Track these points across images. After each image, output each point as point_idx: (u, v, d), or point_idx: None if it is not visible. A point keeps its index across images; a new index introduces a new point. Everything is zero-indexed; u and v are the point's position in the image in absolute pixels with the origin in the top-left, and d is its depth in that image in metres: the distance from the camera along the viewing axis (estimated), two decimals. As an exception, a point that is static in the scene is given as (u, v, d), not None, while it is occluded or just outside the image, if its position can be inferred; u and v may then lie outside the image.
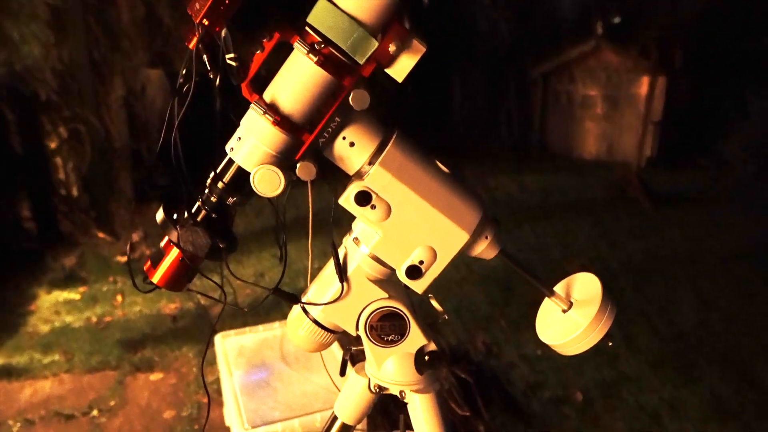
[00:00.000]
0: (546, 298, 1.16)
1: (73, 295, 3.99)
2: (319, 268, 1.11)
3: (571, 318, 1.10)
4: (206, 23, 0.87)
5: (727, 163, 7.17)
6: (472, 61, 8.52)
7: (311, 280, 1.11)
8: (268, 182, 0.93)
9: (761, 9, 7.03)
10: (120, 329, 3.45)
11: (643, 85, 7.96)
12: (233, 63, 0.93)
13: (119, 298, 3.89)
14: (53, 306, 3.83)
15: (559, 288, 1.16)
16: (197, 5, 0.87)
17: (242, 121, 0.98)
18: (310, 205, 1.03)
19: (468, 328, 3.17)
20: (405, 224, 0.99)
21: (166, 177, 6.20)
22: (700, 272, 3.99)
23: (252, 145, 0.95)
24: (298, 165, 0.94)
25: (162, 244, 1.06)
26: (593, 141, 8.91)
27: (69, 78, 4.56)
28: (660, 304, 3.50)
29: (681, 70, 7.31)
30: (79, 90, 4.68)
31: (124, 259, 4.62)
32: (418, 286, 1.02)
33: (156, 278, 1.06)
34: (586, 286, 1.14)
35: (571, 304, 1.12)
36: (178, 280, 1.06)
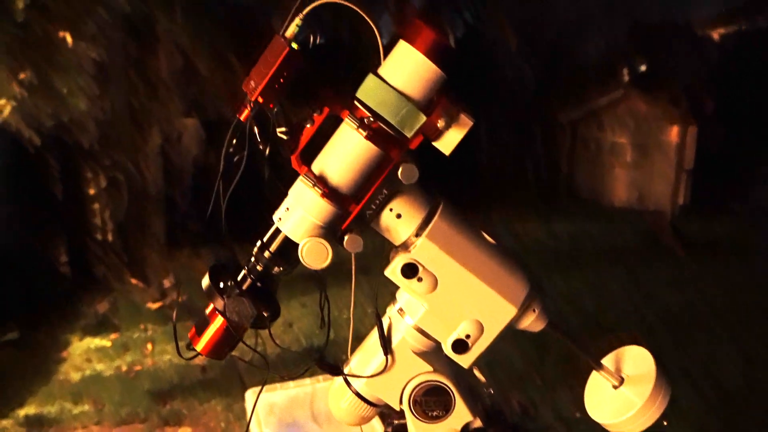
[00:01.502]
0: (594, 371, 1.12)
1: (104, 342, 4.02)
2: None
3: (624, 396, 1.05)
4: (261, 100, 0.89)
5: (763, 209, 6.99)
6: (498, 107, 8.60)
7: (351, 351, 1.10)
8: (316, 255, 0.93)
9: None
10: (149, 379, 3.45)
11: (674, 133, 7.90)
12: (284, 136, 0.95)
13: (149, 346, 3.90)
14: (85, 353, 3.86)
15: (608, 361, 1.12)
16: (252, 83, 0.90)
17: (290, 192, 0.99)
18: (353, 278, 1.03)
19: (502, 387, 3.08)
20: (451, 297, 0.97)
21: (198, 223, 6.32)
22: (744, 328, 3.82)
23: (300, 215, 0.96)
24: (345, 237, 0.94)
25: (207, 311, 1.06)
26: (623, 188, 8.79)
27: (110, 128, 4.74)
28: (703, 363, 3.35)
29: (712, 117, 7.24)
30: (119, 139, 4.86)
31: (155, 305, 4.66)
32: (464, 360, 1.00)
33: (200, 346, 1.06)
34: (637, 361, 1.10)
35: (622, 380, 1.08)
36: (221, 349, 1.06)
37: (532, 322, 1.01)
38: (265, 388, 2.42)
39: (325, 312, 1.10)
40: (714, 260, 5.26)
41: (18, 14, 3.80)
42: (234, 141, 1.03)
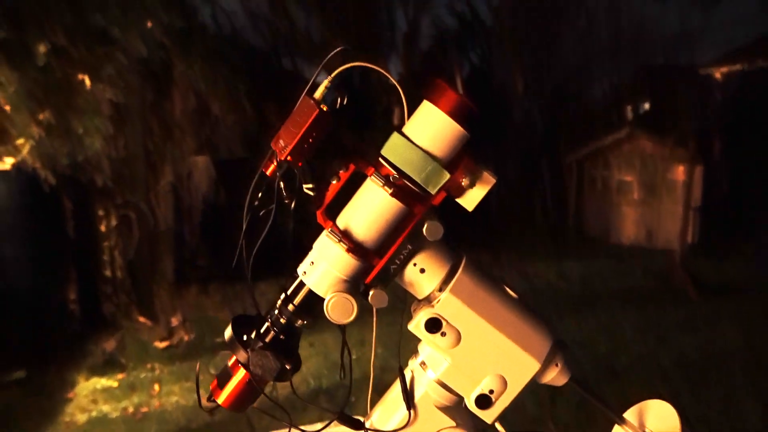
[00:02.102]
0: (616, 425, 1.10)
1: (111, 382, 3.99)
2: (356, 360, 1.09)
3: (649, 452, 1.03)
4: (290, 159, 0.91)
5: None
6: (505, 148, 8.70)
7: (371, 404, 1.08)
8: (341, 310, 0.93)
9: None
10: (156, 421, 3.40)
11: (680, 172, 7.94)
12: (311, 192, 0.97)
13: (156, 387, 3.87)
14: (91, 393, 3.82)
15: (630, 415, 1.10)
16: (282, 142, 0.93)
17: (315, 246, 1.00)
18: (374, 331, 1.03)
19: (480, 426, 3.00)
20: (475, 352, 0.97)
21: (206, 259, 6.33)
22: (761, 371, 3.74)
23: (324, 269, 0.97)
24: (371, 293, 0.95)
25: (229, 363, 1.06)
26: (631, 226, 8.79)
27: (124, 167, 4.82)
28: (720, 408, 3.28)
29: (719, 157, 7.29)
30: (133, 178, 4.93)
31: (162, 344, 4.64)
32: (488, 415, 0.99)
33: (221, 399, 1.05)
34: (661, 416, 1.08)
35: (646, 436, 1.06)
36: (242, 402, 1.05)
37: (555, 377, 1.01)
38: (275, 433, 2.39)
39: (346, 362, 1.10)
40: (726, 301, 5.21)
41: (40, 58, 3.93)
42: (259, 194, 1.05)
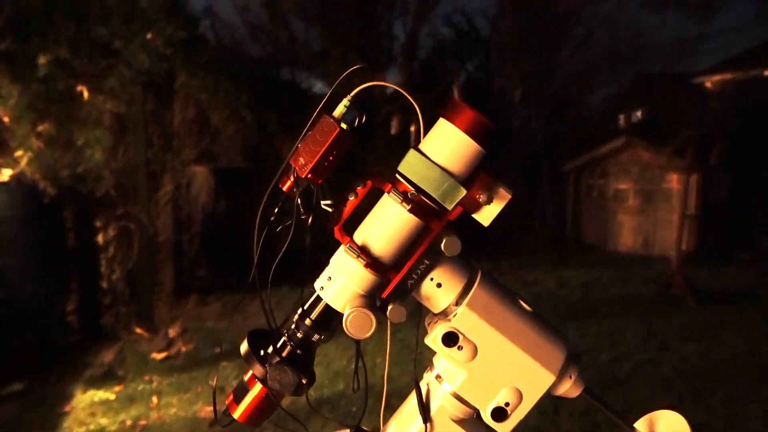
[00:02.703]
0: None
1: (108, 394, 3.96)
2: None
3: (662, 462, 1.04)
4: (310, 177, 0.93)
5: (764, 258, 6.99)
6: (504, 157, 8.75)
7: (384, 417, 1.09)
8: (360, 325, 0.94)
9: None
10: (156, 433, 3.38)
11: (676, 180, 8.00)
12: (329, 208, 0.99)
13: (155, 399, 3.84)
14: (89, 407, 3.79)
15: (640, 425, 1.11)
16: (302, 160, 0.94)
17: (332, 261, 1.01)
18: (388, 345, 1.04)
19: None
20: (491, 365, 0.98)
21: (205, 269, 6.31)
22: (762, 378, 3.76)
23: (341, 284, 0.98)
24: (389, 308, 0.96)
25: (246, 378, 1.07)
26: (628, 234, 8.84)
27: (124, 177, 4.83)
28: (724, 416, 3.29)
29: (717, 166, 7.34)
30: (133, 188, 4.93)
31: (160, 356, 4.62)
32: (503, 428, 1.00)
33: (237, 414, 1.05)
34: (671, 426, 1.10)
35: (657, 446, 1.07)
36: (259, 416, 1.05)
37: (569, 389, 1.02)
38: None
39: (361, 375, 1.10)
40: (725, 309, 5.23)
41: (41, 69, 3.94)
42: (275, 210, 1.06)
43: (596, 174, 8.91)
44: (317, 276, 1.03)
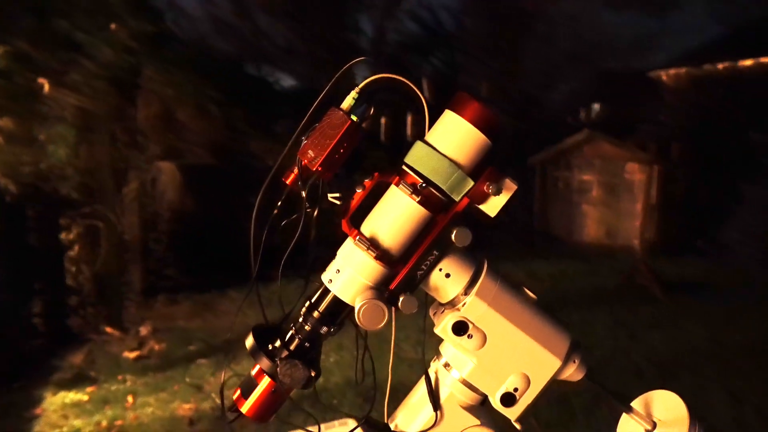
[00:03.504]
0: (624, 414, 1.15)
1: (80, 396, 3.85)
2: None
3: (659, 440, 1.09)
4: (320, 170, 0.93)
5: (727, 247, 7.30)
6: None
7: (388, 406, 1.10)
8: (373, 317, 0.95)
9: (752, 105, 7.46)
10: (133, 435, 3.31)
11: (638, 172, 8.27)
12: (337, 201, 0.99)
13: (130, 399, 3.76)
14: (60, 409, 3.68)
15: (637, 405, 1.15)
16: (311, 153, 0.94)
17: (339, 254, 1.01)
18: (393, 336, 1.05)
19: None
20: (500, 352, 1.00)
21: (174, 268, 6.17)
22: (728, 366, 3.93)
23: (350, 277, 0.98)
24: (401, 299, 0.97)
25: (253, 373, 1.06)
26: (592, 225, 9.09)
27: (89, 175, 4.68)
28: (691, 399, 3.42)
29: (678, 161, 7.61)
30: (99, 186, 4.79)
31: (133, 355, 4.52)
32: (512, 413, 1.02)
33: (245, 408, 1.05)
34: (668, 405, 1.14)
35: (654, 425, 1.11)
36: (267, 411, 1.05)
37: (572, 373, 1.05)
38: (267, 442, 2.37)
39: (366, 367, 1.11)
40: (688, 298, 5.44)
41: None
42: (275, 203, 1.05)
43: (561, 166, 9.11)
44: (314, 269, 1.03)
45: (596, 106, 10.42)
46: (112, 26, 3.91)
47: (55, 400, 3.79)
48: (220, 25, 7.23)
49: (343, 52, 7.96)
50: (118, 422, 3.48)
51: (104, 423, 3.47)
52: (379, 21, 8.40)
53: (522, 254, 7.03)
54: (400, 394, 1.10)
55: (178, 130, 6.06)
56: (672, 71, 8.81)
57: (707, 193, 7.53)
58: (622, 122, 8.47)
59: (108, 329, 4.93)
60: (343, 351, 4.05)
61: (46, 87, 4.26)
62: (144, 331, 5.03)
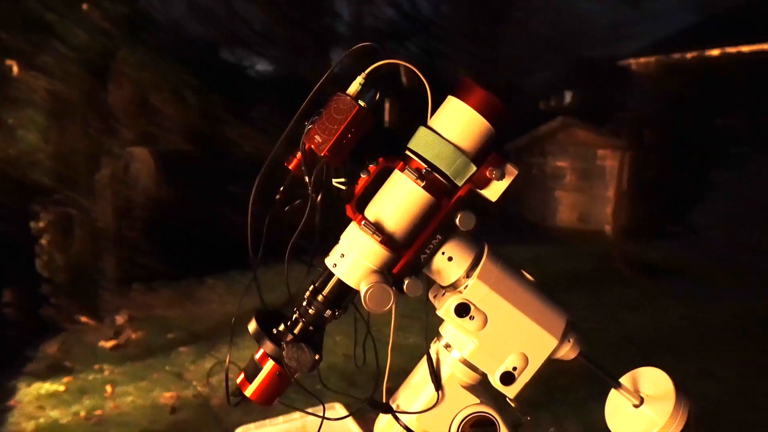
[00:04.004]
0: (612, 390, 1.19)
1: (57, 386, 3.79)
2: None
3: (646, 415, 1.13)
4: (328, 155, 0.93)
5: (696, 231, 7.54)
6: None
7: (385, 386, 1.12)
8: (379, 299, 0.97)
9: (721, 93, 7.65)
10: (114, 424, 3.28)
11: (611, 158, 8.45)
12: (342, 186, 1.00)
13: (109, 388, 3.71)
14: (36, 400, 3.62)
15: (625, 381, 1.20)
16: (318, 138, 0.94)
17: (343, 238, 1.02)
18: (393, 319, 1.07)
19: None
20: (500, 333, 1.03)
21: (149, 255, 6.08)
22: (701, 342, 4.09)
23: (354, 261, 1.00)
24: (406, 282, 0.99)
25: (257, 357, 1.07)
26: (565, 210, 9.27)
27: (61, 161, 4.55)
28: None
29: (650, 147, 7.78)
30: (73, 173, 4.67)
31: (109, 344, 4.45)
32: (511, 391, 1.06)
33: (250, 392, 1.06)
34: (655, 381, 1.19)
35: (642, 400, 1.16)
36: (271, 394, 1.07)
37: (567, 352, 1.09)
38: (255, 425, 2.38)
39: (368, 351, 1.13)
40: (661, 280, 5.62)
41: (-35, 44, 3.64)
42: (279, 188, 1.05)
43: (536, 153, 9.22)
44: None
45: (568, 94, 10.56)
46: (84, 6, 3.78)
47: (30, 391, 3.72)
48: (195, 8, 7.07)
49: (320, 37, 7.88)
50: (98, 412, 3.44)
51: (83, 413, 3.43)
52: (356, 6, 8.33)
53: (499, 240, 7.11)
54: (393, 376, 1.11)
55: (153, 115, 5.93)
56: (642, 60, 8.97)
57: (677, 179, 7.74)
58: (594, 109, 8.61)
59: (83, 318, 4.84)
60: (327, 337, 4.07)
61: (15, 69, 4.12)
62: (120, 320, 4.96)
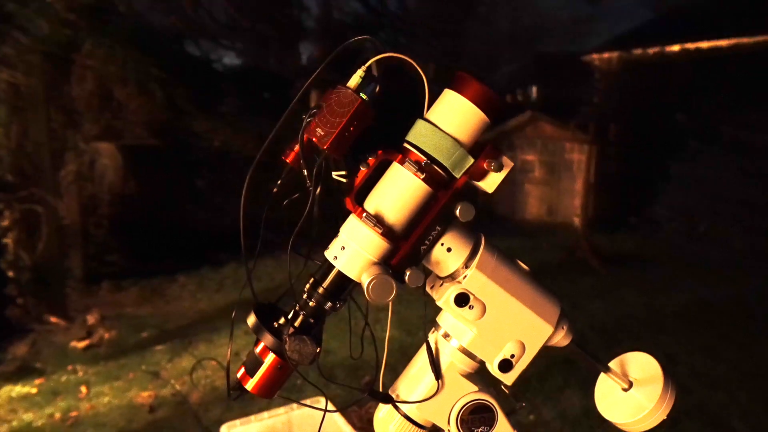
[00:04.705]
0: (602, 374, 1.23)
1: (28, 389, 3.68)
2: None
3: (635, 398, 1.18)
4: (330, 148, 0.94)
5: (656, 222, 7.79)
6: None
7: (380, 375, 1.14)
8: (382, 291, 0.98)
9: (679, 89, 7.90)
10: (91, 425, 3.21)
11: (577, 152, 8.64)
12: (342, 179, 1.01)
13: (83, 389, 3.63)
14: (7, 403, 3.51)
15: (614, 365, 1.24)
16: (320, 131, 0.95)
17: (343, 230, 1.03)
18: (390, 312, 1.09)
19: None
20: (498, 321, 1.06)
21: (117, 253, 5.94)
22: (662, 329, 4.25)
23: (355, 253, 1.01)
24: (407, 273, 1.00)
25: (257, 350, 1.07)
26: (533, 203, 9.45)
27: (25, 157, 4.39)
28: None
29: (613, 142, 7.99)
30: (37, 169, 4.51)
31: (81, 344, 4.34)
32: (508, 378, 1.09)
33: (251, 385, 1.06)
34: (643, 366, 1.23)
35: (631, 384, 1.20)
36: (272, 387, 1.07)
37: (560, 339, 1.12)
38: (240, 421, 2.37)
39: (366, 340, 1.15)
40: (623, 270, 5.81)
41: None
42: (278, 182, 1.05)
43: (504, 147, 9.38)
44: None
45: (533, 89, 10.74)
46: (48, -2, 3.65)
47: (1, 394, 3.61)
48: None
49: (287, 29, 7.78)
50: (73, 413, 3.36)
51: (58, 415, 3.34)
52: (324, -1, 8.28)
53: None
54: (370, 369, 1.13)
55: (118, 108, 5.77)
56: (605, 55, 9.19)
57: (639, 172, 7.97)
58: (560, 104, 8.79)
59: (52, 319, 4.70)
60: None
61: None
62: (91, 319, 4.83)
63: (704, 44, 7.82)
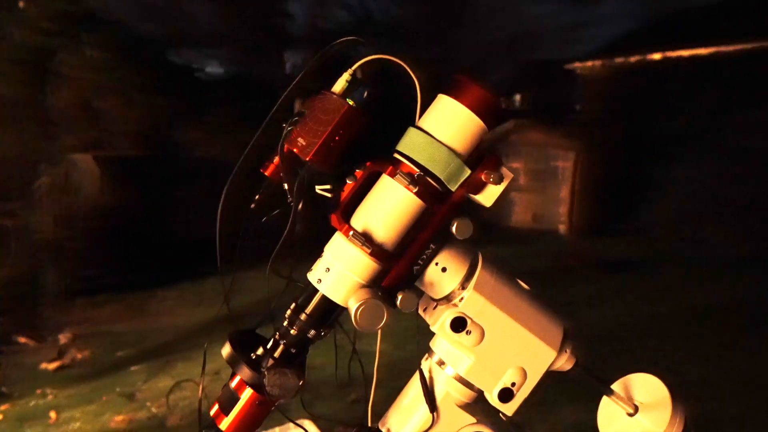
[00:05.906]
0: (604, 397, 1.15)
1: (-5, 414, 3.51)
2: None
3: (642, 424, 1.09)
4: (314, 159, 0.85)
5: (643, 228, 7.82)
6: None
7: (370, 409, 1.05)
8: (371, 317, 0.88)
9: (663, 95, 7.97)
10: (62, 451, 3.05)
11: (563, 159, 8.66)
12: (327, 194, 0.91)
13: (53, 414, 3.45)
14: (-28, 431, 3.34)
15: (618, 388, 1.16)
16: (301, 141, 0.85)
17: (327, 250, 0.93)
18: (379, 337, 1.00)
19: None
20: (498, 347, 0.97)
21: (93, 269, 5.76)
22: (656, 338, 4.19)
23: (340, 275, 0.91)
24: (399, 296, 0.91)
25: (232, 384, 0.96)
26: (520, 210, 9.44)
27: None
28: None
29: (599, 148, 8.02)
30: (8, 181, 4.35)
31: (52, 366, 4.16)
32: (509, 408, 0.99)
33: (226, 425, 0.95)
34: (649, 388, 1.15)
35: (636, 408, 1.12)
36: (251, 425, 0.96)
37: (564, 363, 1.04)
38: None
39: (354, 370, 1.05)
40: (614, 277, 5.77)
41: None
42: (255, 196, 0.96)
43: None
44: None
45: (517, 96, 10.79)
46: (21, 3, 3.49)
47: (-35, 421, 3.43)
48: (141, 6, 6.75)
49: (272, 37, 7.71)
50: (43, 439, 3.19)
51: (26, 441, 3.18)
52: (309, 7, 8.22)
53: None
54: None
55: (96, 118, 5.62)
56: (589, 63, 9.25)
57: (624, 178, 8.00)
58: (546, 111, 8.82)
59: (21, 339, 4.52)
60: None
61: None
62: (63, 338, 4.66)
63: (685, 52, 7.91)
